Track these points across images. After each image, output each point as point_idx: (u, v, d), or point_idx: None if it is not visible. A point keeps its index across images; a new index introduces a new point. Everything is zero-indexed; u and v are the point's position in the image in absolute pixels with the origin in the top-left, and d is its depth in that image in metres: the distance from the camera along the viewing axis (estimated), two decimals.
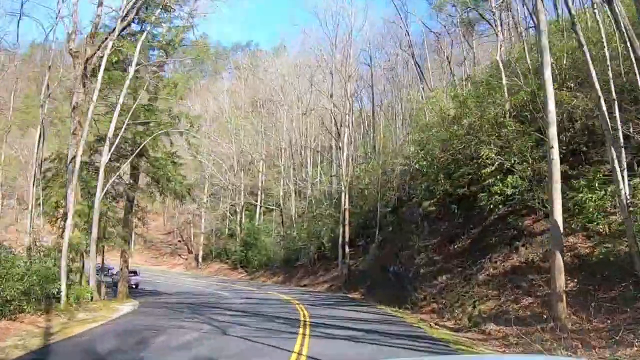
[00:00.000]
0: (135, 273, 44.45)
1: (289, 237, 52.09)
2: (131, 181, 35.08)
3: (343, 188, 38.14)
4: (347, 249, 36.07)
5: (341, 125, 40.50)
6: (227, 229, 71.96)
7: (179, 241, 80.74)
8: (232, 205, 68.56)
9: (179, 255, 76.94)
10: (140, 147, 27.23)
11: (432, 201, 26.78)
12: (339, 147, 38.77)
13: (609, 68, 13.20)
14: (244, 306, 24.08)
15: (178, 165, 34.10)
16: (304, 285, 43.43)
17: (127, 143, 29.24)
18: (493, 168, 18.50)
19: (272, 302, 27.90)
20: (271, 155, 64.02)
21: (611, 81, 13.11)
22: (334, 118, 39.80)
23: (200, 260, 69.51)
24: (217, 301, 28.01)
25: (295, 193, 59.86)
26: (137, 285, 43.54)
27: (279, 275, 52.47)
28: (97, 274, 25.91)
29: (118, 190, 34.55)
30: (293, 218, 55.47)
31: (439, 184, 24.29)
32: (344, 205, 37.17)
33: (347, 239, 36.29)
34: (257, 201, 66.04)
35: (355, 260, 38.53)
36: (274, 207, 61.77)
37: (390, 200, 37.25)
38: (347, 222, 36.19)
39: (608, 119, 12.73)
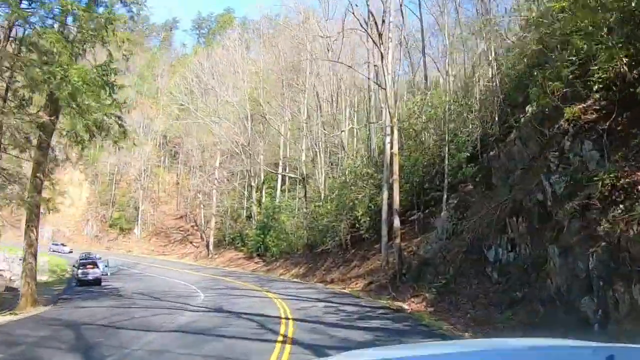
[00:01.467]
0: (94, 264, 31.64)
1: (314, 213, 38.23)
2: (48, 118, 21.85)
3: (388, 128, 23.68)
4: (397, 223, 21.51)
5: (382, 42, 25.55)
6: (244, 210, 58.80)
7: (192, 226, 68.22)
8: (246, 175, 55.11)
9: (190, 242, 64.43)
10: None
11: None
12: (383, 71, 24.05)
13: None
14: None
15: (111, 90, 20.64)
16: (331, 281, 29.45)
17: None
18: None
19: (251, 323, 14.19)
20: (295, 114, 49.95)
21: None
22: (373, 27, 25.03)
23: (211, 248, 56.57)
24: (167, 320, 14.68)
25: (323, 160, 45.76)
26: (98, 281, 30.64)
27: (300, 266, 38.73)
28: None
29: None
30: (322, 191, 41.39)
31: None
32: (390, 150, 22.59)
33: (396, 207, 21.74)
34: (278, 172, 52.35)
35: (408, 242, 24.20)
36: (297, 177, 47.86)
37: (468, 142, 22.65)
38: (395, 177, 21.55)
39: None
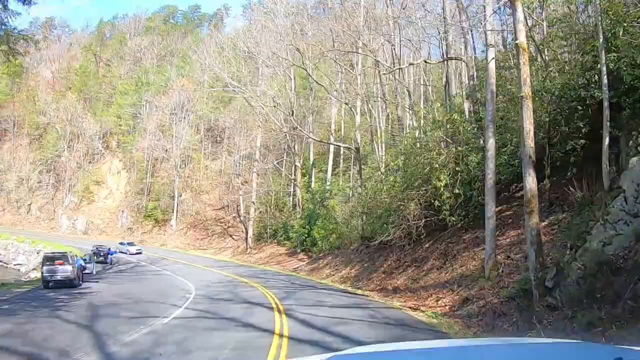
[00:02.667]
0: (64, 260, 22.81)
1: (372, 194, 27.94)
2: None
3: None
4: (531, 183, 10.53)
5: None
6: (290, 198, 49.28)
7: (233, 217, 59.49)
8: (291, 154, 45.51)
9: (230, 236, 55.72)
10: None
11: None
12: None
13: None
14: None
15: None
16: (395, 291, 19.14)
17: None
18: None
19: None
20: (347, 71, 39.63)
21: None
22: None
23: (249, 242, 47.40)
24: None
25: (382, 128, 35.28)
26: (70, 282, 22.09)
27: (352, 266, 28.63)
28: None
29: None
30: (381, 166, 31.08)
31: None
32: (516, 40, 11.66)
33: (530, 149, 10.74)
34: (328, 142, 42.44)
35: (554, 229, 13.41)
36: (350, 147, 37.74)
37: None
38: (527, 90, 10.57)
39: None
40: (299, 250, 40.19)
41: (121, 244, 48.49)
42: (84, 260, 25.49)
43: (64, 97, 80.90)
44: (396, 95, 36.05)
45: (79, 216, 66.83)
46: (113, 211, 67.07)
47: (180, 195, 63.12)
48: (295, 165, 43.64)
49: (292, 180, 46.15)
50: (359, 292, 20.90)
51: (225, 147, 68.39)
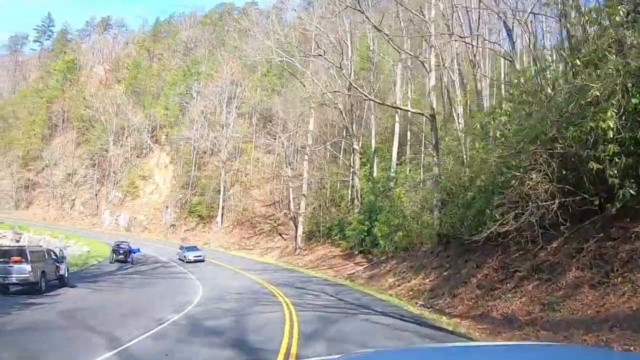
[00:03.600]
0: (21, 257, 16.12)
1: (451, 179, 19.90)
2: None
3: None
4: None
5: None
6: (349, 190, 41.73)
7: (285, 214, 52.62)
8: (350, 137, 37.92)
9: (280, 235, 48.86)
10: None
11: None
12: None
13: None
14: None
15: None
16: (512, 324, 10.87)
17: None
18: None
19: None
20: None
21: None
22: None
23: (299, 241, 40.17)
24: None
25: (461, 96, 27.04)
26: (29, 286, 15.44)
27: (426, 273, 20.82)
28: None
29: None
30: (461, 137, 22.97)
31: None
32: None
33: None
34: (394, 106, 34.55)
35: None
36: (422, 113, 29.72)
37: None
38: None
39: None
40: (356, 252, 32.52)
41: (181, 248, 37.44)
42: (55, 257, 18.99)
43: (112, 90, 77.91)
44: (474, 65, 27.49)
45: (122, 212, 62.53)
46: (158, 207, 62.22)
47: (228, 190, 57.07)
48: (354, 149, 35.88)
49: (350, 168, 38.45)
50: (444, 319, 12.84)
51: (277, 138, 61.87)
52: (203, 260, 34.70)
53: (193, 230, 55.56)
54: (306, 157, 40.94)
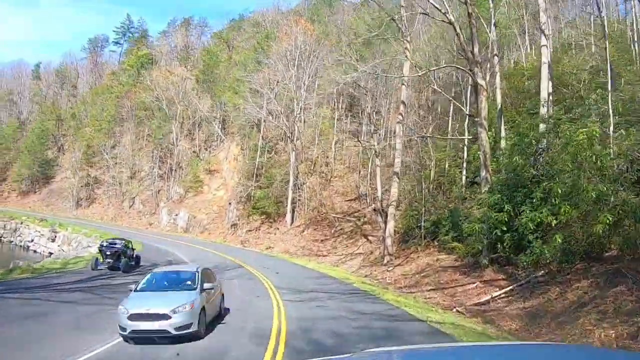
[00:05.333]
0: None
1: None
2: None
3: None
4: None
5: None
6: (464, 171, 28.10)
7: (374, 210, 39.73)
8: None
9: (365, 236, 35.93)
10: None
11: None
12: None
13: None
14: None
15: None
16: None
17: None
18: None
19: None
20: None
21: None
22: None
23: (389, 246, 26.81)
24: None
25: None
26: None
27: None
28: None
29: None
30: None
31: None
32: None
33: None
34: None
35: None
36: None
37: None
38: None
39: None
40: (484, 262, 18.79)
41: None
42: None
43: (184, 81, 69.97)
44: None
45: (181, 210, 53.04)
46: (222, 204, 51.91)
47: (302, 182, 45.17)
48: (477, 86, 21.50)
49: (473, 120, 24.63)
50: None
51: (363, 121, 49.10)
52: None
53: (256, 230, 44.23)
54: (400, 114, 27.51)
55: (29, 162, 70.40)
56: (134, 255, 24.48)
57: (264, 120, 50.38)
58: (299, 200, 44.60)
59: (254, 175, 47.40)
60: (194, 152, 63.92)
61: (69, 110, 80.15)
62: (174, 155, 61.12)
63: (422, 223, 26.01)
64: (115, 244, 22.81)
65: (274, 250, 38.79)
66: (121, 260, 21.79)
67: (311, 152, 49.60)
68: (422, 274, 21.81)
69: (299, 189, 44.43)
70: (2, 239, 51.68)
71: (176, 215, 53.18)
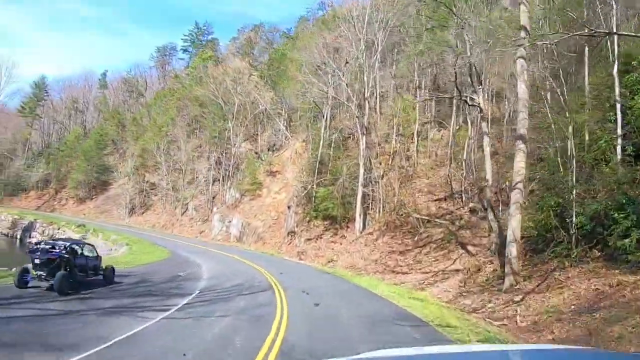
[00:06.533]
0: None
1: None
2: None
3: None
4: None
5: None
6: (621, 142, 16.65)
7: (471, 211, 29.49)
8: None
9: (462, 245, 25.39)
10: None
11: None
12: None
13: None
14: None
15: None
16: None
17: None
18: None
19: None
20: None
21: None
22: None
23: (512, 260, 16.04)
24: None
25: None
26: None
27: None
28: None
29: None
30: None
31: None
32: None
33: None
34: None
35: None
36: None
37: None
38: None
39: None
40: None
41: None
42: None
43: (245, 76, 62.93)
44: None
45: (235, 216, 44.88)
46: (281, 209, 43.14)
47: (377, 178, 35.34)
48: None
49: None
50: None
51: (454, 104, 38.55)
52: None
53: (317, 239, 34.69)
54: (521, 45, 16.94)
55: (84, 167, 66.53)
56: (100, 267, 15.98)
57: (330, 104, 41.36)
58: (371, 199, 34.69)
59: (316, 171, 38.13)
60: (255, 152, 56.38)
61: (130, 115, 76.18)
62: (231, 155, 53.69)
63: (573, 219, 15.13)
64: (54, 247, 14.30)
65: (337, 264, 29.12)
66: (67, 271, 13.19)
67: (388, 143, 39.62)
68: (594, 313, 11.13)
69: (372, 184, 34.59)
70: (31, 244, 47.39)
71: (229, 222, 45.11)
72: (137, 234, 42.47)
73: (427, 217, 31.13)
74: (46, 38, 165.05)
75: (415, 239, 29.71)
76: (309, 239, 34.88)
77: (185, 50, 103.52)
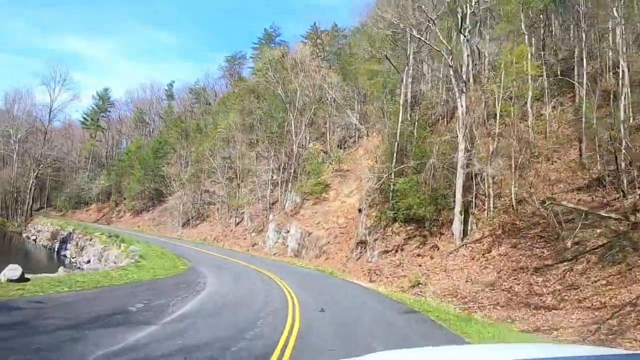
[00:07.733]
0: None
1: None
2: None
3: None
4: None
5: None
6: None
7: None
8: None
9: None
10: None
11: None
12: None
13: None
14: None
15: None
16: None
17: None
18: None
19: None
20: None
21: None
22: None
23: None
24: None
25: None
26: None
27: None
28: None
29: None
30: None
31: None
32: None
33: None
34: None
35: None
36: None
37: None
38: None
39: None
40: None
41: None
42: None
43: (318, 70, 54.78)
44: None
45: (293, 225, 35.71)
46: (352, 215, 33.50)
47: (479, 169, 24.65)
48: None
49: None
50: None
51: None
52: None
53: (397, 251, 24.37)
54: None
55: (140, 177, 61.22)
56: None
57: (411, 65, 31.55)
58: (474, 194, 24.04)
59: (395, 157, 28.11)
60: (324, 152, 47.63)
61: (194, 124, 70.42)
62: (292, 154, 45.30)
63: None
64: None
65: (427, 289, 18.82)
66: None
67: (493, 119, 28.76)
68: None
69: (474, 171, 24.05)
70: (65, 257, 42.15)
71: (286, 232, 36.13)
72: (172, 246, 35.14)
73: (562, 215, 19.92)
74: (130, 68, 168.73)
75: (550, 247, 18.72)
76: (385, 251, 24.73)
77: (254, 58, 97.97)
